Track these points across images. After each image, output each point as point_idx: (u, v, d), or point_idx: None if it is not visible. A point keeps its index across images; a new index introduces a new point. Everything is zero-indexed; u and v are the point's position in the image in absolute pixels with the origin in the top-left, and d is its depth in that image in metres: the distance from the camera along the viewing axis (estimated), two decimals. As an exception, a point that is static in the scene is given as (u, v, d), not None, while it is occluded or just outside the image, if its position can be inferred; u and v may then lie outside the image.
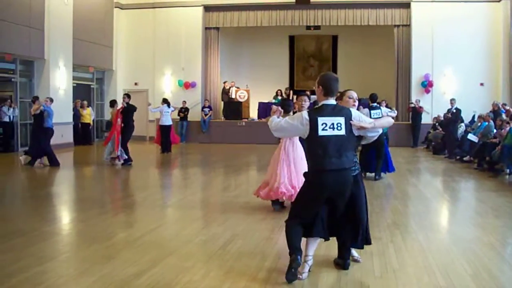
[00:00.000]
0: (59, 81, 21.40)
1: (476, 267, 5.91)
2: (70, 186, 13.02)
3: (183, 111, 25.00)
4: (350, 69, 28.81)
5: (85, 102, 24.16)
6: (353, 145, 5.65)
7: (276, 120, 5.77)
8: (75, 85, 23.27)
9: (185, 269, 5.80)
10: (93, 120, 24.65)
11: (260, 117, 25.47)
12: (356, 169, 5.86)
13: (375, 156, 13.23)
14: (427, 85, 24.18)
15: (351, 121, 5.47)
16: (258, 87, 27.89)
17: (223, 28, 27.51)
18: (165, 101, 20.23)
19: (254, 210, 9.07)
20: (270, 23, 26.38)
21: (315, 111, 5.56)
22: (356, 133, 5.57)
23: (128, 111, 16.08)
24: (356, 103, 6.26)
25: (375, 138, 5.91)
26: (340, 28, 27.56)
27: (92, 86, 25.96)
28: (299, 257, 5.49)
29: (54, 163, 15.28)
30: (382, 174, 13.51)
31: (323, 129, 5.42)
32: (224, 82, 27.00)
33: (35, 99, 15.83)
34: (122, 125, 15.94)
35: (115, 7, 26.52)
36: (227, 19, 26.72)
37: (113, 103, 17.34)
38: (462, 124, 19.61)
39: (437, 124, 21.75)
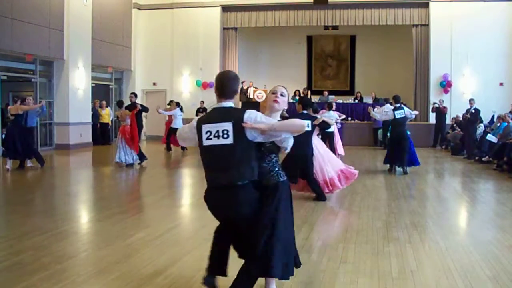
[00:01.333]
0: (78, 81, 21.56)
1: (495, 270, 5.87)
2: (89, 185, 13.10)
3: (201, 111, 25.02)
4: (368, 69, 28.79)
5: (104, 102, 24.32)
6: (251, 154, 4.55)
7: (182, 127, 5.07)
8: (94, 85, 23.42)
9: (203, 268, 5.78)
10: (111, 120, 24.79)
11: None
12: (274, 176, 4.80)
13: (400, 150, 14.06)
14: (445, 85, 24.02)
15: (242, 124, 4.43)
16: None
17: (241, 28, 27.53)
18: (178, 104, 20.69)
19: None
20: (288, 23, 26.35)
21: (203, 117, 4.73)
22: (255, 138, 4.50)
23: (141, 112, 16.37)
24: (280, 99, 5.06)
25: (288, 144, 4.71)
26: (358, 28, 27.49)
27: (110, 86, 26.10)
28: (208, 277, 5.05)
29: (41, 162, 15.16)
30: (408, 168, 14.29)
31: (207, 138, 4.57)
32: (242, 82, 26.99)
33: (22, 99, 15.33)
34: (130, 126, 15.63)
35: (134, 7, 26.65)
36: (245, 19, 26.74)
37: (121, 103, 16.65)
38: (481, 124, 19.49)
39: (455, 125, 21.61)
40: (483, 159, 16.86)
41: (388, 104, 16.46)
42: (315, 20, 26.02)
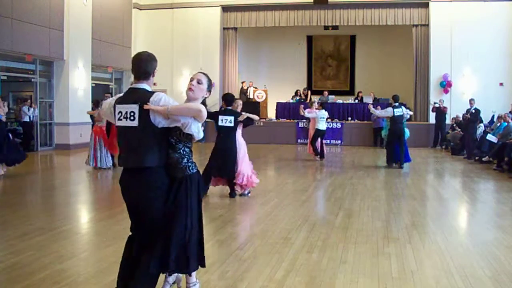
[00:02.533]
0: (78, 81, 21.55)
1: (495, 270, 5.87)
2: (89, 185, 13.11)
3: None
4: (368, 69, 28.83)
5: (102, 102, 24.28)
6: (155, 139, 4.45)
7: (105, 101, 4.92)
8: (94, 85, 23.40)
9: (203, 269, 5.80)
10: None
11: (278, 117, 25.49)
12: (183, 168, 4.63)
13: (399, 146, 15.34)
14: (445, 85, 24.02)
15: (144, 106, 4.36)
16: (276, 87, 27.95)
17: (241, 28, 27.55)
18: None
19: (271, 211, 9.08)
20: (288, 23, 26.37)
21: (119, 98, 4.65)
22: (159, 123, 4.41)
23: None
24: (196, 87, 4.85)
25: (195, 134, 4.56)
26: (358, 28, 27.52)
27: (110, 86, 26.07)
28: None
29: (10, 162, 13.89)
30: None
31: (118, 119, 4.52)
32: (242, 82, 27.05)
33: None
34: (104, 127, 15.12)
35: (134, 7, 26.63)
36: (245, 19, 26.75)
37: (97, 103, 15.56)
38: (481, 124, 19.49)
39: (454, 124, 21.61)
40: (483, 159, 16.86)
41: (391, 108, 16.55)
42: (315, 20, 26.04)
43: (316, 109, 17.88)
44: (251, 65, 29.72)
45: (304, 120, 23.65)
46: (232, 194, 10.49)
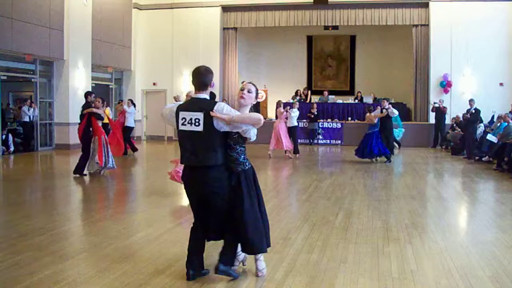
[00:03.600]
0: (78, 81, 21.54)
1: (495, 270, 5.87)
2: (89, 185, 13.09)
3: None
4: (368, 69, 28.83)
5: (105, 102, 24.28)
6: (217, 142, 5.26)
7: (165, 106, 5.69)
8: (94, 85, 23.39)
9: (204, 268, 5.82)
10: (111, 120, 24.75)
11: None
12: (241, 164, 5.43)
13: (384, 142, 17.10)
14: (445, 85, 24.02)
15: (210, 113, 5.15)
16: (276, 87, 27.94)
17: (241, 28, 27.54)
18: (132, 102, 21.02)
19: (271, 211, 9.07)
20: (288, 23, 26.36)
21: (181, 105, 5.43)
22: (221, 128, 5.21)
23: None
24: (246, 95, 5.62)
25: (252, 136, 5.38)
26: (358, 28, 27.51)
27: (110, 86, 26.09)
28: (190, 271, 5.47)
29: None
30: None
31: (182, 124, 5.30)
32: (242, 82, 26.96)
33: None
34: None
35: (134, 7, 26.66)
36: (245, 19, 26.74)
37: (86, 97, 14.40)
38: (481, 124, 19.49)
39: (454, 125, 21.61)
40: (483, 159, 16.86)
41: (379, 108, 18.03)
42: (315, 20, 26.02)
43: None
44: (251, 65, 29.72)
45: (305, 120, 23.70)
46: None
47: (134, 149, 19.23)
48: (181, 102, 5.56)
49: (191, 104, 5.35)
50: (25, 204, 10.13)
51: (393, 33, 27.59)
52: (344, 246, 6.75)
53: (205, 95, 5.39)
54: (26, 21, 18.74)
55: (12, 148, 19.10)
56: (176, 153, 18.64)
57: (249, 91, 5.71)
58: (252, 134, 5.36)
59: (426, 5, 24.60)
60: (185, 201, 10.88)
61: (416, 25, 25.07)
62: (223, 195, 5.34)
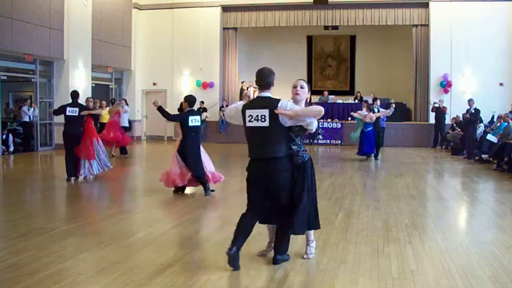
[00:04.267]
0: (78, 81, 21.53)
1: (495, 270, 5.87)
2: (88, 185, 13.08)
3: (201, 111, 25.07)
4: (368, 69, 28.84)
5: (104, 102, 24.25)
6: (282, 135, 5.83)
7: (229, 107, 6.26)
8: (94, 85, 23.40)
9: (203, 268, 5.83)
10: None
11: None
12: (301, 156, 5.99)
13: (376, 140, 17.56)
14: (445, 85, 24.04)
15: (275, 110, 5.68)
16: (276, 87, 27.50)
17: (241, 28, 27.56)
18: (125, 101, 21.27)
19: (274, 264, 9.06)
20: (288, 23, 26.38)
21: (247, 104, 5.97)
22: (286, 123, 5.74)
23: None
24: (300, 91, 6.16)
25: (314, 127, 5.90)
26: (358, 28, 27.52)
27: (110, 86, 26.10)
28: (233, 248, 5.81)
29: None
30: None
31: (249, 121, 5.85)
32: (242, 82, 27.04)
33: None
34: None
35: (134, 7, 26.68)
36: (245, 19, 26.75)
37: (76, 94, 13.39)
38: (481, 124, 19.48)
39: (455, 124, 21.61)
40: (483, 156, 16.86)
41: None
42: (315, 20, 26.05)
43: None
44: (251, 65, 29.63)
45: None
46: (208, 193, 10.74)
47: (125, 152, 19.00)
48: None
49: (256, 102, 5.91)
50: (25, 204, 10.13)
51: (393, 33, 27.61)
52: (344, 246, 6.75)
53: (268, 94, 5.95)
54: (26, 21, 18.74)
55: (12, 148, 19.10)
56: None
57: (301, 87, 6.20)
58: (314, 125, 5.85)
59: (426, 5, 24.62)
60: (184, 201, 10.88)
61: (416, 25, 25.09)
62: (285, 185, 5.87)
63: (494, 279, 5.57)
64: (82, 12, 21.75)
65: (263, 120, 5.77)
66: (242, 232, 6.00)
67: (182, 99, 11.45)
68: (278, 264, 5.93)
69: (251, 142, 5.95)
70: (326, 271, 5.78)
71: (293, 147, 5.97)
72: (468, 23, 23.51)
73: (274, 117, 5.71)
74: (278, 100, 5.80)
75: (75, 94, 13.10)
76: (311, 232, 6.25)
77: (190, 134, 10.75)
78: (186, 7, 26.60)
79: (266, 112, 5.75)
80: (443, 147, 22.26)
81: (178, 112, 11.35)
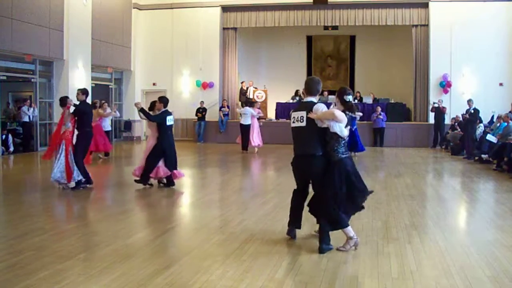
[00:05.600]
0: (78, 81, 21.51)
1: (495, 270, 5.87)
2: (88, 185, 13.08)
3: (201, 111, 25.10)
4: (368, 69, 28.82)
5: (105, 103, 24.26)
6: (317, 134, 6.57)
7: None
8: (94, 85, 23.40)
9: (203, 269, 5.83)
10: (111, 120, 24.73)
11: (278, 117, 25.48)
12: (337, 154, 6.55)
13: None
14: (445, 85, 24.03)
15: (309, 114, 6.53)
16: (276, 87, 27.93)
17: (241, 29, 27.54)
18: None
19: (271, 211, 9.08)
20: (287, 23, 26.36)
21: (294, 108, 6.99)
22: (320, 124, 6.53)
23: (81, 113, 12.05)
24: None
25: (338, 131, 6.46)
26: (358, 28, 27.49)
27: (110, 87, 26.10)
28: (293, 228, 7.08)
29: None
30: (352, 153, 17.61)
31: (292, 122, 6.79)
32: (242, 82, 27.04)
33: None
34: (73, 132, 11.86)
35: (133, 7, 26.68)
36: (244, 19, 26.74)
37: (64, 101, 12.39)
38: (481, 124, 19.48)
39: (455, 124, 21.61)
40: (483, 156, 16.86)
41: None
42: (315, 20, 26.02)
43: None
44: (251, 65, 29.72)
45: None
46: (173, 183, 11.90)
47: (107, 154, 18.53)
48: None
49: (300, 106, 6.87)
50: (24, 204, 10.12)
51: (393, 33, 27.58)
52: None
53: (312, 99, 6.77)
54: (26, 21, 18.73)
55: (12, 148, 19.11)
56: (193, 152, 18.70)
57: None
58: (337, 128, 6.43)
59: (425, 5, 24.61)
60: (183, 201, 10.89)
61: (416, 25, 25.08)
62: (320, 180, 6.62)
63: (494, 279, 5.57)
64: (81, 12, 21.74)
65: (301, 121, 6.63)
66: (295, 211, 7.05)
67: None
68: (324, 253, 6.42)
69: (294, 141, 6.85)
70: (326, 271, 5.79)
71: (329, 146, 6.57)
72: (468, 23, 23.50)
73: (310, 118, 6.53)
74: (315, 103, 6.63)
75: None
76: (346, 229, 6.64)
77: (167, 132, 11.67)
78: (186, 7, 26.59)
79: (304, 113, 6.60)
80: (443, 147, 22.27)
81: (151, 112, 11.92)
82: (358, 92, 26.83)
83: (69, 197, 10.73)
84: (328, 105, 7.24)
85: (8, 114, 21.61)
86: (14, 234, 7.42)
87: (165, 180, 11.94)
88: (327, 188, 6.54)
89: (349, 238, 6.60)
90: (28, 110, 19.82)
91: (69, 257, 6.31)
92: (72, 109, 11.93)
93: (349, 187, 6.57)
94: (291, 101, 26.21)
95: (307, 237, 7.21)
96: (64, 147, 11.26)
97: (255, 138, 20.46)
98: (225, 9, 26.73)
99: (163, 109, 11.68)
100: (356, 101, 25.91)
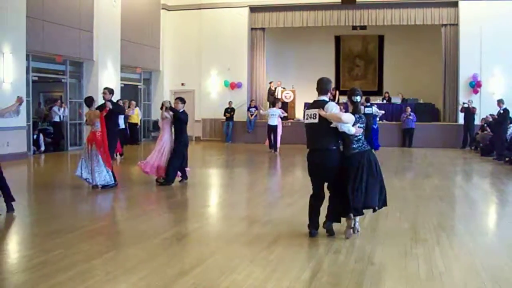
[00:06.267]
0: (107, 81, 21.72)
1: (525, 272, 5.81)
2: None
3: (229, 111, 25.17)
4: (396, 69, 28.54)
5: (134, 102, 24.49)
6: (329, 130, 7.01)
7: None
8: (122, 85, 23.63)
9: (229, 269, 5.84)
10: (140, 120, 24.98)
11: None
12: (351, 150, 7.11)
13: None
14: (475, 85, 23.73)
15: (320, 112, 7.02)
16: (304, 88, 27.78)
17: (269, 29, 27.54)
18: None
19: (298, 212, 9.06)
20: (316, 24, 26.30)
21: (308, 105, 7.51)
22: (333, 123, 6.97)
23: (115, 113, 12.33)
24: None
25: (346, 130, 6.93)
26: (386, 28, 27.30)
27: (139, 87, 26.33)
28: (312, 230, 7.26)
29: None
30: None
31: (306, 119, 7.30)
32: (270, 82, 27.04)
33: None
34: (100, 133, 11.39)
35: (162, 8, 26.86)
36: (272, 19, 26.75)
37: (90, 101, 11.76)
38: (511, 125, 19.21)
39: (485, 125, 21.34)
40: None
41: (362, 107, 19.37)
42: (343, 20, 25.93)
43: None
44: (279, 66, 29.67)
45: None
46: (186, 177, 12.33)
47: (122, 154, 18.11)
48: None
49: (313, 104, 7.28)
50: (54, 203, 10.25)
51: (421, 33, 27.28)
52: (371, 248, 6.72)
53: (324, 98, 7.25)
54: (57, 23, 19.01)
55: (42, 148, 19.37)
56: (203, 152, 18.71)
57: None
58: (344, 128, 6.92)
59: (455, 4, 24.32)
60: (211, 201, 10.94)
61: (445, 25, 24.82)
62: (333, 172, 7.13)
63: (524, 281, 5.50)
64: (111, 13, 21.98)
65: (314, 118, 7.11)
66: (313, 214, 7.40)
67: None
68: (327, 228, 7.23)
69: (307, 136, 7.32)
70: (353, 272, 5.76)
71: (342, 142, 7.13)
72: (499, 22, 23.14)
73: (322, 116, 7.01)
74: (326, 102, 7.14)
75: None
76: (356, 219, 7.31)
77: (186, 130, 12.27)
78: (214, 8, 26.68)
79: (316, 111, 7.08)
80: (472, 148, 22.01)
81: (161, 110, 12.27)
82: (387, 92, 26.67)
83: (97, 196, 10.82)
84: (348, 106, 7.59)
85: (39, 114, 21.93)
86: (44, 232, 7.52)
87: (162, 179, 11.96)
88: (344, 181, 7.08)
89: (349, 227, 7.24)
90: (59, 110, 20.06)
91: (96, 256, 6.37)
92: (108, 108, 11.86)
93: (361, 180, 7.03)
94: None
95: (334, 239, 7.18)
96: (95, 147, 11.15)
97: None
98: (253, 9, 26.77)
99: (182, 109, 11.94)
100: (384, 101, 25.79)
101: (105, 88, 12.51)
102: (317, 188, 7.39)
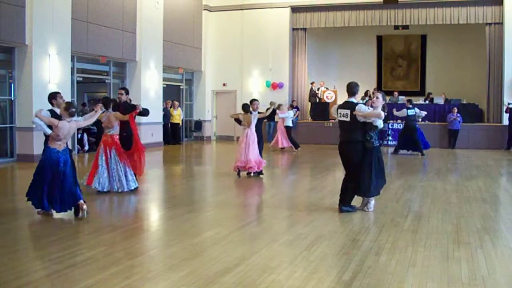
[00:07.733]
0: (149, 82, 22.02)
1: None
2: (159, 183, 13.36)
3: (271, 111, 25.19)
4: (439, 69, 28.21)
5: (176, 103, 24.71)
6: (358, 128, 8.58)
7: (333, 107, 9.94)
8: (165, 85, 23.87)
9: (270, 269, 5.86)
10: (182, 120, 25.20)
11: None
12: (372, 143, 8.63)
13: (412, 138, 19.68)
14: (521, 86, 23.27)
15: (354, 112, 8.52)
16: (345, 88, 27.66)
17: (310, 29, 27.47)
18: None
19: (340, 212, 9.03)
20: (357, 23, 26.13)
21: (340, 105, 9.07)
22: (360, 119, 8.50)
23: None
24: (376, 101, 8.89)
25: (378, 124, 8.60)
26: (429, 27, 26.99)
27: (181, 87, 26.55)
28: (342, 207, 8.95)
29: None
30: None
31: (339, 116, 8.88)
32: (312, 83, 26.99)
33: None
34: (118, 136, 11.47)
35: (204, 9, 27.03)
36: (314, 19, 26.67)
37: (108, 102, 12.23)
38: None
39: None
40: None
41: (405, 109, 20.36)
42: (385, 20, 25.70)
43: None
44: (321, 66, 29.59)
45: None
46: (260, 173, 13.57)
47: None
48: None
49: (344, 105, 8.82)
50: (96, 202, 10.40)
51: (465, 32, 26.87)
52: (413, 249, 6.66)
53: (353, 99, 8.78)
54: (101, 24, 19.33)
55: (86, 147, 19.69)
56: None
57: (377, 98, 8.93)
58: (379, 123, 8.58)
59: (500, 2, 23.85)
60: (253, 201, 10.97)
61: (490, 23, 24.37)
62: (357, 160, 8.68)
63: None
64: (153, 14, 22.24)
65: (346, 116, 8.67)
66: (344, 192, 9.00)
67: (251, 100, 12.70)
68: (344, 212, 8.85)
69: (340, 130, 8.98)
70: (394, 274, 5.72)
71: (367, 136, 8.59)
72: (546, 21, 22.68)
73: (353, 115, 8.54)
74: (357, 104, 8.63)
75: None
76: (371, 200, 9.03)
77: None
78: (256, 8, 26.73)
79: (348, 111, 8.63)
80: (518, 149, 21.59)
81: (241, 111, 13.78)
82: (430, 93, 26.34)
83: (140, 195, 10.94)
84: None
85: (84, 114, 22.27)
86: (87, 230, 7.67)
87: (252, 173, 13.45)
88: (365, 167, 8.63)
89: (370, 200, 9.01)
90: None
91: (138, 254, 6.47)
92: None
93: (382, 168, 8.90)
94: (361, 101, 25.94)
95: (375, 240, 7.14)
96: (116, 152, 10.92)
97: (284, 140, 21.05)
98: (295, 9, 26.73)
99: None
100: (427, 102, 25.49)
101: (122, 88, 12.18)
102: (347, 170, 9.04)
